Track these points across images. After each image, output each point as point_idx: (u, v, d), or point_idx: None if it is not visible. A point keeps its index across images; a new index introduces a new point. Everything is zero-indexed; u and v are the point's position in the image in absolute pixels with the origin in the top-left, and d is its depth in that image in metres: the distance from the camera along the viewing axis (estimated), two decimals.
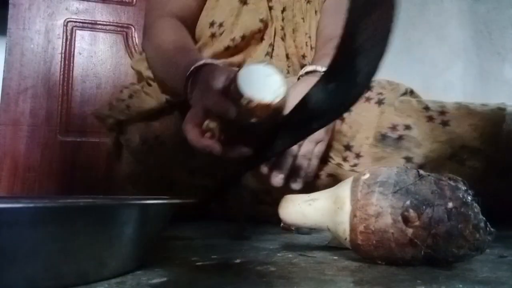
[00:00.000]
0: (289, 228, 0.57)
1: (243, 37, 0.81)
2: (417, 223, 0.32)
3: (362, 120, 0.67)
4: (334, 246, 0.43)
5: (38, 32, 1.42)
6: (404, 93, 0.71)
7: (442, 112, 0.66)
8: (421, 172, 0.35)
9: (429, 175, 0.34)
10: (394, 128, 0.65)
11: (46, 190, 1.35)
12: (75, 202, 0.26)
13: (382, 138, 0.66)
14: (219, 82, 0.50)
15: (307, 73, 0.67)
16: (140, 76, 0.86)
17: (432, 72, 1.77)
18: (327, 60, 0.73)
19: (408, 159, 0.63)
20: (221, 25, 0.81)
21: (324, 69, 0.64)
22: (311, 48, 0.88)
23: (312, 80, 0.63)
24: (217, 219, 0.74)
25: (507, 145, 0.65)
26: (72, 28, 1.46)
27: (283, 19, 0.87)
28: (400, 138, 0.65)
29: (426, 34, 1.79)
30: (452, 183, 0.33)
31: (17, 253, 0.23)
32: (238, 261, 0.36)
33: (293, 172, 0.56)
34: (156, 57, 0.75)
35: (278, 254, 0.40)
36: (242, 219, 0.55)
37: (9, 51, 1.39)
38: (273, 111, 0.45)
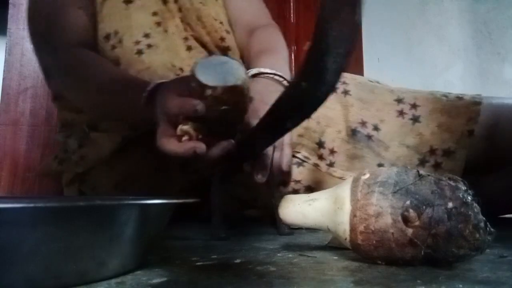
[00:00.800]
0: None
1: (146, 35, 0.75)
2: (417, 223, 0.32)
3: (330, 113, 0.66)
4: (334, 246, 0.43)
5: None
6: (370, 81, 0.70)
7: (414, 105, 0.65)
8: (421, 172, 0.35)
9: (429, 175, 0.34)
10: (363, 124, 0.64)
11: (46, 190, 1.35)
12: (75, 202, 0.26)
13: (352, 133, 0.65)
14: (177, 86, 0.49)
15: (253, 76, 0.63)
16: (65, 123, 0.78)
17: (432, 72, 1.77)
18: (266, 60, 0.70)
19: (380, 166, 0.62)
20: (116, 33, 0.74)
21: (267, 70, 0.63)
22: (227, 32, 0.83)
23: (264, 82, 0.60)
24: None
25: (485, 141, 0.64)
26: None
27: (180, 10, 0.81)
28: (369, 137, 0.64)
29: (426, 34, 1.79)
30: (452, 183, 0.33)
31: (17, 253, 0.23)
32: (238, 261, 0.36)
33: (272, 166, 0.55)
34: (91, 93, 0.66)
35: (278, 254, 0.40)
36: (218, 219, 0.53)
37: (9, 51, 1.39)
38: (239, 93, 0.45)
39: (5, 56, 1.39)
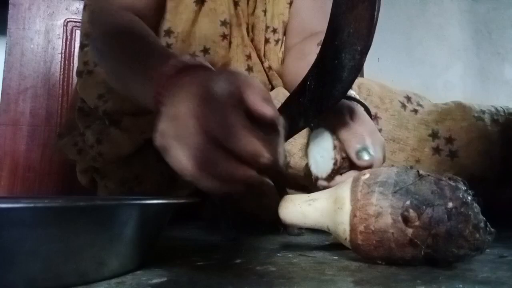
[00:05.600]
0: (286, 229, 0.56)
1: (205, 50, 0.66)
2: (417, 223, 0.32)
3: None
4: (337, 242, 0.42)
5: (38, 32, 1.42)
6: (402, 105, 0.63)
7: (450, 139, 0.59)
8: (421, 172, 0.35)
9: (429, 175, 0.34)
10: None
11: (46, 190, 1.35)
12: (75, 202, 0.26)
13: None
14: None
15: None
16: (84, 112, 0.72)
17: (432, 72, 1.77)
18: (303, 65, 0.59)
19: None
20: (177, 33, 0.67)
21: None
22: (277, 42, 0.75)
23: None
24: (216, 220, 0.74)
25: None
26: (72, 28, 1.46)
27: (247, 15, 0.73)
28: None
29: (426, 34, 1.79)
30: (452, 183, 0.33)
31: (17, 253, 0.23)
32: (238, 261, 0.36)
33: None
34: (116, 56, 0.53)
35: (278, 254, 0.40)
36: (228, 220, 0.52)
37: (9, 51, 1.39)
38: None
39: (5, 56, 1.39)
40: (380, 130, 0.60)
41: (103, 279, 0.28)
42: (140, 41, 0.51)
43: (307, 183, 0.59)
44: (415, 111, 0.63)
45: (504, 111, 0.63)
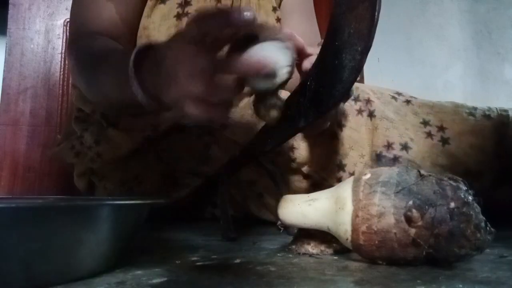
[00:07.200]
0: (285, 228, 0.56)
1: None
2: (420, 223, 0.32)
3: (355, 135, 0.62)
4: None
5: (38, 32, 1.42)
6: (392, 97, 0.66)
7: (441, 128, 0.62)
8: (422, 172, 0.35)
9: (430, 175, 0.34)
10: (389, 146, 0.61)
11: (46, 190, 1.35)
12: (42, 202, 0.26)
13: (377, 158, 0.61)
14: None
15: None
16: (81, 115, 0.73)
17: (432, 72, 1.77)
18: None
19: None
20: None
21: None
22: None
23: None
24: (216, 220, 0.74)
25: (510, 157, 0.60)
26: None
27: None
28: (395, 159, 0.60)
29: (426, 34, 1.79)
30: (453, 183, 0.33)
31: None
32: (238, 261, 0.36)
33: None
34: (94, 71, 0.58)
35: (278, 254, 0.40)
36: (227, 220, 0.51)
37: (9, 51, 1.39)
38: None
39: (5, 56, 1.39)
40: (373, 111, 0.63)
41: (75, 279, 0.28)
42: (114, 52, 0.56)
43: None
44: (407, 101, 0.65)
45: (496, 108, 0.64)
